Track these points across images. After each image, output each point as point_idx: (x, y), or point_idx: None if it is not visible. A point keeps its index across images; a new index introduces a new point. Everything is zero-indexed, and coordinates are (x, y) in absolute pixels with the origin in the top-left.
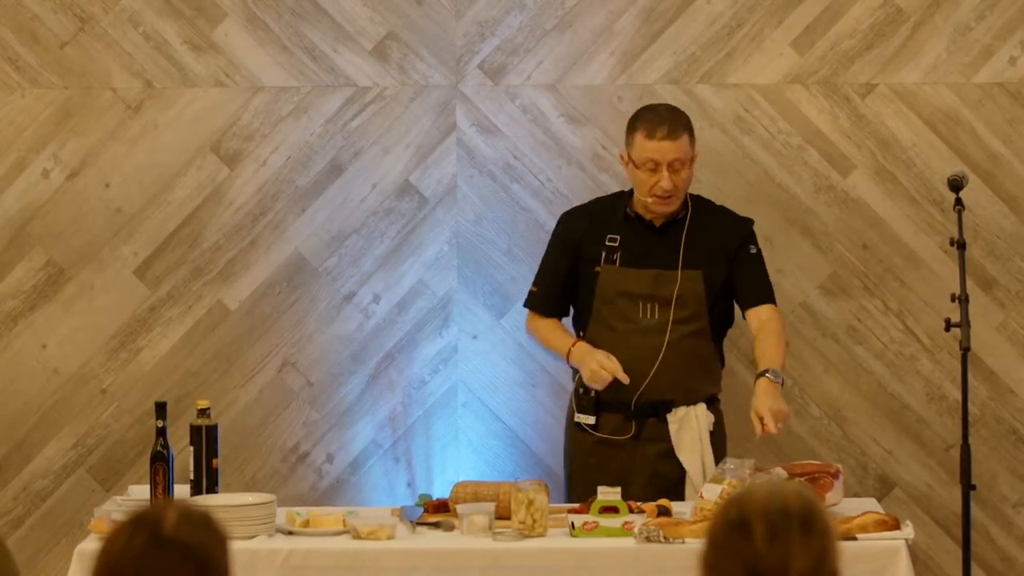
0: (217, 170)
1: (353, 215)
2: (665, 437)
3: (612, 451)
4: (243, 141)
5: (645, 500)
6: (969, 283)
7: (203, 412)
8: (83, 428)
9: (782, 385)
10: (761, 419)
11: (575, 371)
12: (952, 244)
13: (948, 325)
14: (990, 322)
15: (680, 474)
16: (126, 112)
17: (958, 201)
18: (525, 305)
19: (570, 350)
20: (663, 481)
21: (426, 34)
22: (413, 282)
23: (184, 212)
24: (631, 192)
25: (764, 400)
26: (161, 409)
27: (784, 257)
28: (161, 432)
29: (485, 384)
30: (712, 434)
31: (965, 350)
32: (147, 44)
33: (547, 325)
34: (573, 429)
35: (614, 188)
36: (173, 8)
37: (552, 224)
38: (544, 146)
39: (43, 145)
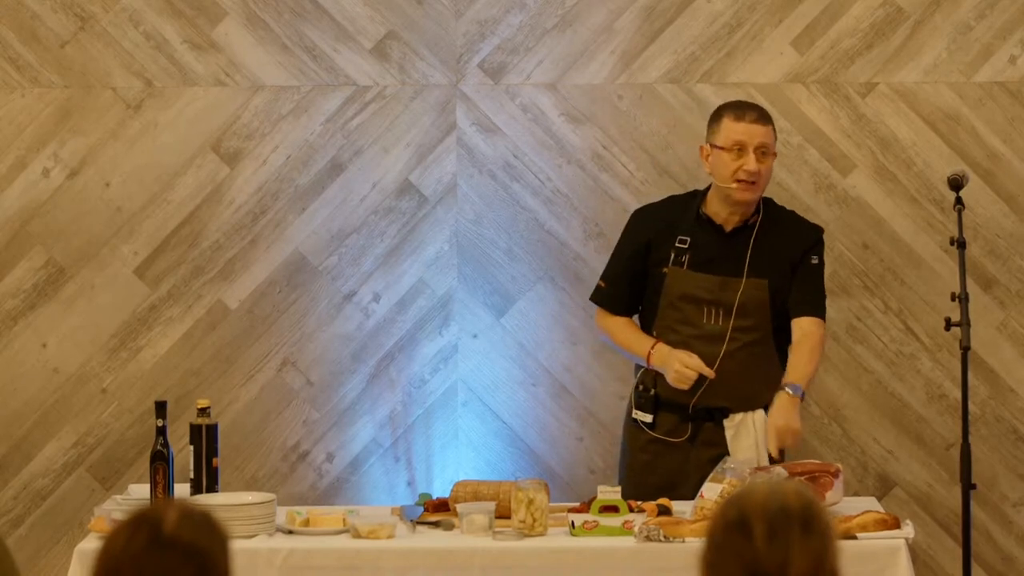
0: (217, 169)
1: (353, 214)
2: (721, 442)
3: (666, 450)
4: (243, 140)
5: None
6: (969, 282)
7: (203, 411)
8: (83, 427)
9: (802, 399)
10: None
11: (637, 367)
12: (952, 243)
13: (948, 324)
14: (990, 321)
15: None
16: (126, 111)
17: (958, 200)
18: (593, 299)
19: (650, 352)
20: None
21: (426, 33)
22: (413, 281)
23: (184, 211)
24: (705, 192)
25: (777, 417)
26: (161, 408)
27: None
28: (161, 431)
29: (485, 383)
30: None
31: (965, 349)
32: (147, 43)
33: (621, 324)
34: (630, 425)
35: (614, 188)
36: (173, 7)
37: (552, 223)
38: (544, 145)
39: (43, 144)
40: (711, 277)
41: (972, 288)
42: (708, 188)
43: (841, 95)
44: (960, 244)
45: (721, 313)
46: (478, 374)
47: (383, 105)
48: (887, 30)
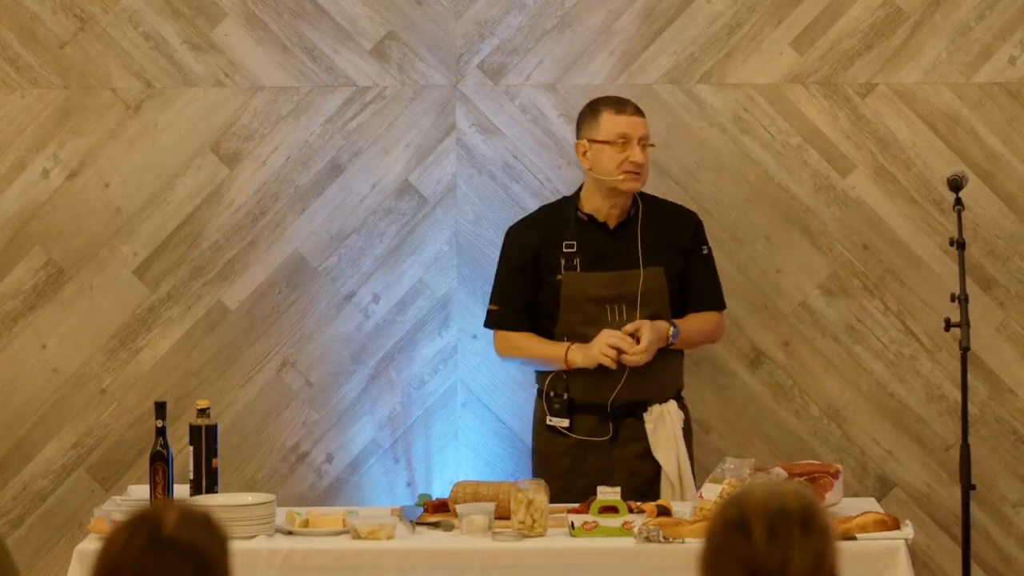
0: (217, 170)
1: (353, 215)
2: (642, 437)
3: (587, 453)
4: (243, 141)
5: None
6: (969, 283)
7: (203, 412)
8: (83, 428)
9: (670, 340)
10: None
11: (539, 375)
12: (952, 244)
13: (948, 325)
14: (990, 322)
15: (655, 472)
16: (126, 112)
17: (958, 201)
18: (487, 326)
19: (567, 350)
20: (640, 480)
21: (426, 34)
22: (413, 282)
23: (184, 212)
24: (577, 193)
25: (644, 322)
26: (161, 409)
27: (784, 257)
28: (161, 432)
29: (485, 384)
30: (683, 430)
31: (965, 350)
32: (147, 44)
33: (525, 339)
34: (544, 432)
35: None
36: (173, 8)
37: None
38: (544, 146)
39: (43, 145)
40: (607, 274)
41: (972, 289)
42: (579, 190)
43: (841, 96)
44: (960, 245)
45: (624, 308)
46: (478, 375)
47: (383, 106)
48: (887, 31)
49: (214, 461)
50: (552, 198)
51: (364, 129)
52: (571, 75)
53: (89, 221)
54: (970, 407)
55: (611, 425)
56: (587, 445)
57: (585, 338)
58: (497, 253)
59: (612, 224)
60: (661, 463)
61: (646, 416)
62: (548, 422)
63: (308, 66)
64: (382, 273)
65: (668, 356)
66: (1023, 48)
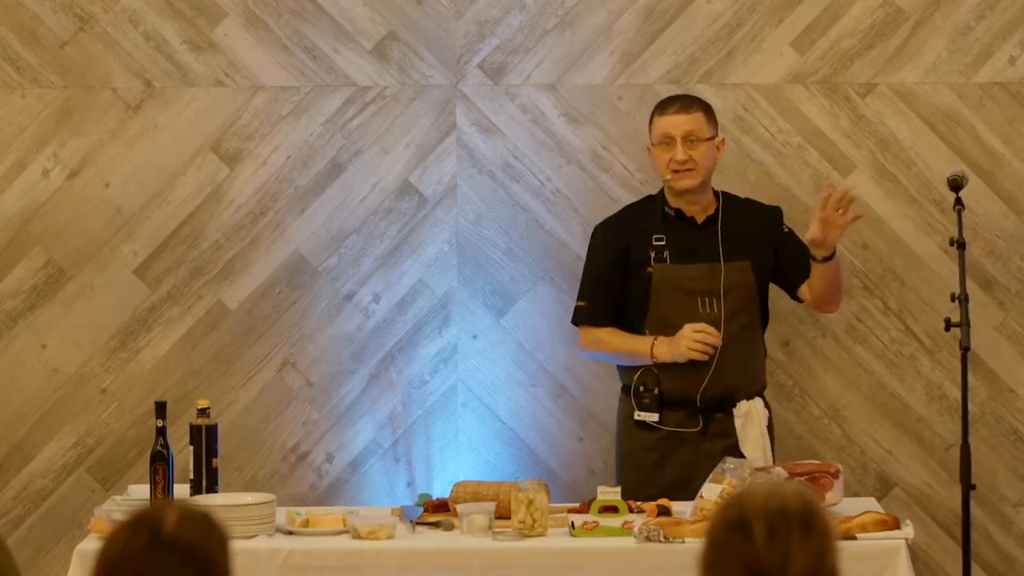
0: (217, 170)
1: (353, 215)
2: (731, 432)
3: (674, 448)
4: (243, 141)
5: None
6: (969, 283)
7: (203, 412)
8: (83, 428)
9: (832, 258)
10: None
11: (625, 373)
12: (952, 244)
13: (948, 325)
14: (990, 322)
15: None
16: (126, 112)
17: (958, 201)
18: (575, 323)
19: (653, 344)
20: None
21: (426, 34)
22: (413, 282)
23: (184, 212)
24: (662, 192)
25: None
26: (161, 409)
27: None
28: (161, 432)
29: (485, 384)
30: (768, 427)
31: (965, 350)
32: (147, 44)
33: (610, 333)
34: (631, 429)
35: (614, 188)
36: (173, 8)
37: (552, 224)
38: (544, 146)
39: (43, 145)
40: (696, 266)
41: (972, 288)
42: (662, 189)
43: (841, 95)
44: (960, 244)
45: (714, 300)
46: (478, 374)
47: (383, 106)
48: (887, 31)
49: (214, 461)
50: (552, 198)
51: (364, 129)
52: (571, 75)
53: (89, 221)
54: (970, 407)
55: (701, 419)
56: (676, 439)
57: (676, 329)
58: (497, 253)
59: (700, 219)
60: (749, 458)
61: (735, 411)
62: (636, 417)
63: (308, 66)
64: (382, 273)
65: (753, 351)
66: (1023, 48)
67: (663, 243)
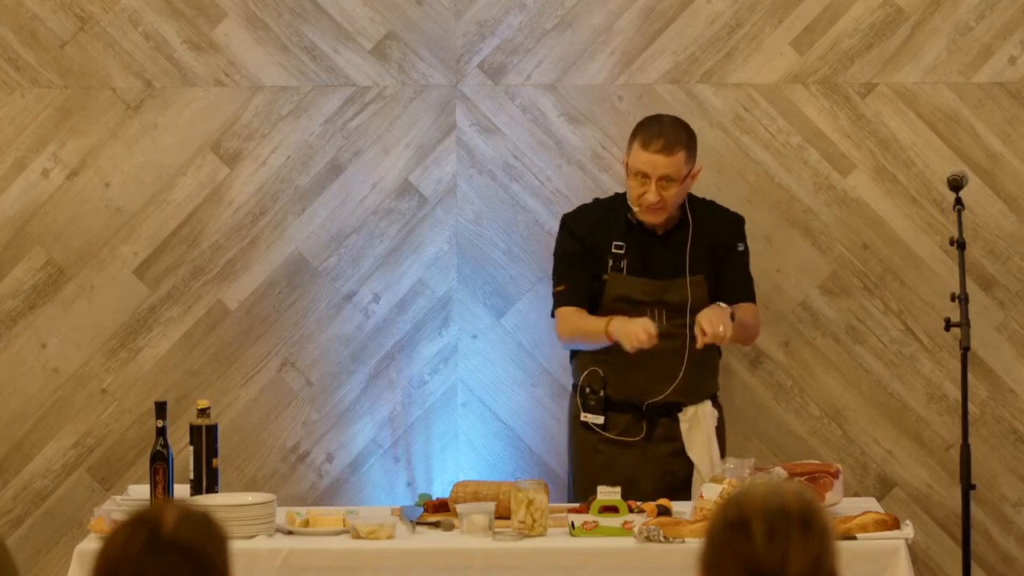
0: (217, 170)
1: (353, 215)
2: (676, 436)
3: (620, 450)
4: (243, 141)
5: (654, 498)
6: (969, 283)
7: (203, 412)
8: (83, 428)
9: (731, 317)
10: (702, 330)
11: (576, 372)
12: (952, 244)
13: (948, 325)
14: (990, 322)
15: (688, 472)
16: (126, 112)
17: (958, 201)
18: (556, 306)
19: (608, 322)
20: (673, 479)
21: (426, 34)
22: (413, 282)
23: (184, 212)
24: None
25: (706, 312)
26: (161, 409)
27: (784, 257)
28: (161, 432)
29: (485, 384)
30: (716, 429)
31: (965, 350)
32: (147, 44)
33: (577, 314)
34: (578, 428)
35: (614, 188)
36: (173, 8)
37: (552, 224)
38: (544, 146)
39: (43, 145)
40: (652, 281)
41: (972, 288)
42: None
43: (841, 95)
44: (960, 244)
45: (664, 313)
46: (478, 374)
47: (383, 106)
48: (887, 31)
49: (214, 461)
50: (552, 198)
51: (364, 129)
52: (571, 75)
53: (89, 221)
54: (970, 407)
55: (645, 425)
56: (620, 443)
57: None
58: (497, 253)
59: (660, 231)
60: (695, 462)
61: (681, 416)
62: (582, 418)
63: (308, 66)
64: (382, 273)
65: (706, 358)
66: (1023, 48)
67: (622, 251)
